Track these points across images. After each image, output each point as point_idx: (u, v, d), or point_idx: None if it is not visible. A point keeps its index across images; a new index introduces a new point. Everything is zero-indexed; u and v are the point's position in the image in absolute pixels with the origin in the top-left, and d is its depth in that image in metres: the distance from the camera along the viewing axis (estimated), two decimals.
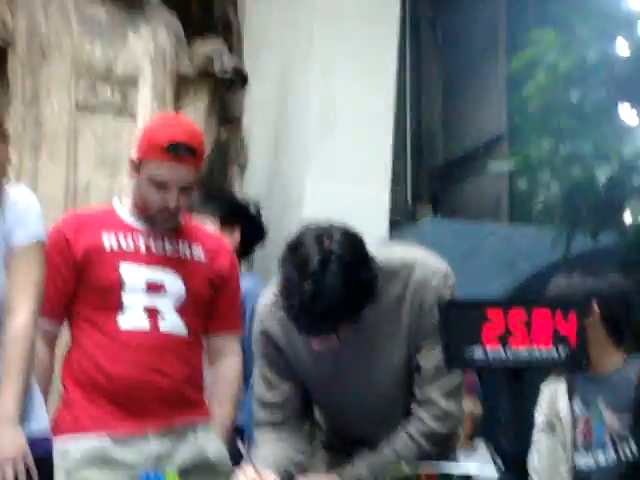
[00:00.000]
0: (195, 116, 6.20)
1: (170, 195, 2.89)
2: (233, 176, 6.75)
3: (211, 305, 3.03)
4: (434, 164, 7.81)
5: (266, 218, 7.09)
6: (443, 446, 2.64)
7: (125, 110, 5.57)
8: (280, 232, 7.08)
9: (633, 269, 3.56)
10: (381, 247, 2.76)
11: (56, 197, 5.21)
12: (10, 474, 2.37)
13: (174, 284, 2.94)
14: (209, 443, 2.95)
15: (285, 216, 6.77)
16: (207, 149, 6.11)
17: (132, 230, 2.95)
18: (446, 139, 7.72)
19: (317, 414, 2.83)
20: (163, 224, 2.95)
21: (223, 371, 3.10)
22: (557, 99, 3.81)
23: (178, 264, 2.96)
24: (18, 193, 2.67)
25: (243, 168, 7.06)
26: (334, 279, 2.39)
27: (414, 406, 2.63)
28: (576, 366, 2.31)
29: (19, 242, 2.58)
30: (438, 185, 7.75)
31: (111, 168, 5.42)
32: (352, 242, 2.48)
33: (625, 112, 3.87)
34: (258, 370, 2.74)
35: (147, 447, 2.82)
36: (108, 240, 2.92)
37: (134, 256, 2.91)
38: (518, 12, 6.70)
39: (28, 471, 2.41)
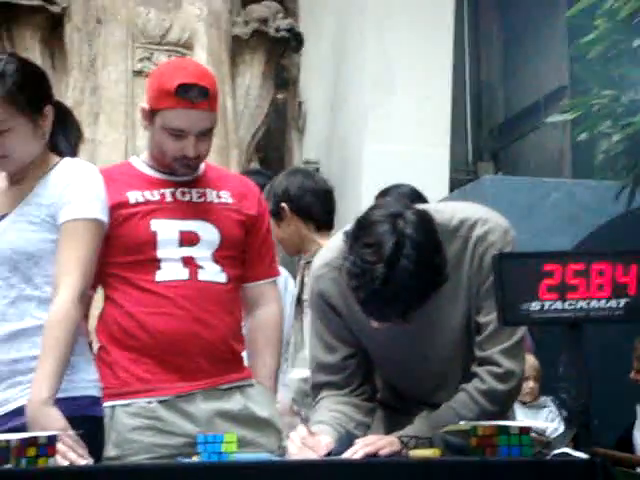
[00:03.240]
0: (251, 79, 6.16)
1: (187, 142, 2.75)
2: (291, 139, 6.71)
3: (245, 251, 2.91)
4: (495, 120, 7.70)
5: (325, 179, 7.06)
6: (503, 405, 2.58)
7: None
8: (340, 193, 7.05)
9: None
10: (441, 206, 2.69)
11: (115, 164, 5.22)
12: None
13: (207, 232, 2.82)
14: (259, 401, 2.87)
15: (345, 177, 6.71)
16: (263, 111, 6.08)
17: (156, 182, 2.83)
18: (507, 94, 7.60)
19: (376, 375, 2.78)
20: (183, 173, 2.83)
21: (264, 319, 2.98)
22: (618, 47, 3.70)
23: (208, 211, 2.83)
24: (74, 169, 2.62)
25: (301, 130, 7.02)
26: (408, 264, 2.29)
27: (474, 365, 2.58)
28: (636, 316, 2.23)
29: (64, 219, 2.56)
30: (499, 141, 7.63)
31: None
32: (425, 225, 2.38)
33: None
34: (315, 332, 2.68)
35: (196, 407, 2.78)
36: (134, 195, 2.80)
37: (163, 209, 2.80)
38: None
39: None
